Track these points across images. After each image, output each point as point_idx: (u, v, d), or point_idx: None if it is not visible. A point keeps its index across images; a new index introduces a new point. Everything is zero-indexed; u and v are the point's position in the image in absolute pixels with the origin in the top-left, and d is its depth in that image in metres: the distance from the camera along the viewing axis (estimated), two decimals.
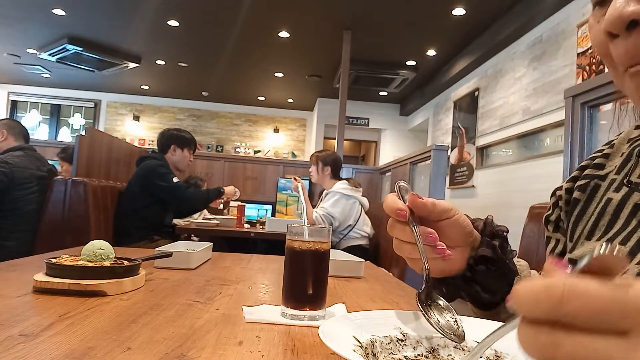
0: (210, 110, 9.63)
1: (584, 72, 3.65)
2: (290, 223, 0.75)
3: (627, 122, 0.66)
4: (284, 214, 4.38)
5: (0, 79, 8.89)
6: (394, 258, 2.72)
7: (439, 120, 7.16)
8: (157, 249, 1.15)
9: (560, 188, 0.67)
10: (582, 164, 0.66)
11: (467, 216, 0.63)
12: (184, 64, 7.19)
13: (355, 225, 3.05)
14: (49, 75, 8.33)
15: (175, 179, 2.83)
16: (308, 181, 4.23)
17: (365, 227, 3.12)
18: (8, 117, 9.01)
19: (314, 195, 4.57)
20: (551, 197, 0.69)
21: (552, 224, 0.69)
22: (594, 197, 0.61)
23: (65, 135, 9.59)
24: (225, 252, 1.59)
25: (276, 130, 9.68)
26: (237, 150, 9.58)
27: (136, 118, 9.44)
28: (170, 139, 3.06)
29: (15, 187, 2.38)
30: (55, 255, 0.89)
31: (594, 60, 3.54)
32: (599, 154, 0.65)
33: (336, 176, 3.21)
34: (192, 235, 3.56)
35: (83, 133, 3.29)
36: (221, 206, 3.85)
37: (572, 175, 0.66)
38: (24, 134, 2.67)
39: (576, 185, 0.64)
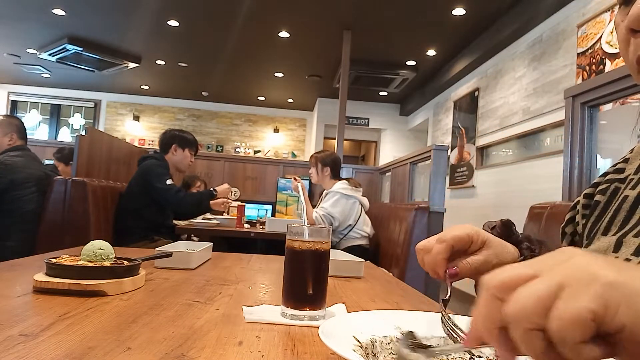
0: (210, 110, 9.63)
1: (584, 72, 3.65)
2: (290, 223, 0.75)
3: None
4: (284, 214, 4.38)
5: (0, 79, 8.89)
6: (394, 258, 2.72)
7: (439, 120, 7.16)
8: (157, 249, 1.15)
9: (578, 202, 0.69)
10: (605, 171, 0.68)
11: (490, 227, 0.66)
12: (184, 64, 7.19)
13: (355, 225, 3.05)
14: (49, 75, 8.33)
15: (169, 181, 2.80)
16: (308, 181, 4.23)
17: (365, 227, 3.12)
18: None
19: (314, 196, 4.57)
20: (570, 210, 0.70)
21: (568, 237, 0.70)
22: (614, 198, 0.62)
23: (65, 135, 9.59)
24: (225, 252, 1.59)
25: (276, 130, 9.68)
26: (237, 150, 9.58)
27: (136, 118, 9.44)
28: (171, 138, 3.05)
29: (14, 187, 2.38)
30: (55, 255, 0.89)
31: (594, 60, 3.54)
32: (621, 160, 0.67)
33: (336, 176, 3.21)
34: (192, 235, 3.56)
35: (83, 133, 3.29)
36: (225, 213, 3.80)
37: (594, 181, 0.68)
38: (25, 135, 2.69)
39: (597, 189, 0.66)
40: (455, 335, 0.51)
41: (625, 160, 0.66)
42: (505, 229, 0.66)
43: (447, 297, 0.56)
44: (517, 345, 0.28)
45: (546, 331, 0.26)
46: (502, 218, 0.68)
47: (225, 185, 3.06)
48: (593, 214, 0.64)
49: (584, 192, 0.68)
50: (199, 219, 3.60)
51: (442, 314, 0.53)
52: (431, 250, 0.58)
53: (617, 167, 0.66)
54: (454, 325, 0.52)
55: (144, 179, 2.82)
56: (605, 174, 0.67)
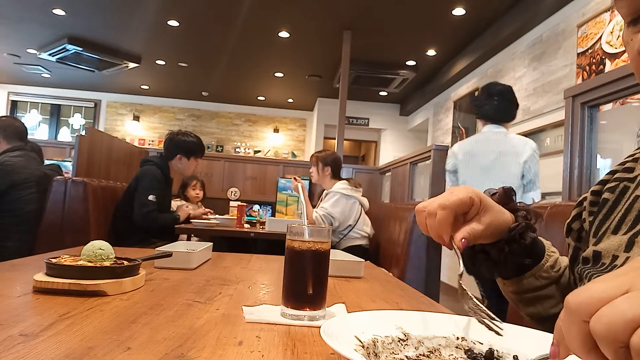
0: (210, 110, 9.63)
1: (584, 72, 3.64)
2: (290, 223, 0.75)
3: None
4: (284, 214, 4.38)
5: (0, 79, 8.89)
6: (394, 258, 2.72)
7: (439, 120, 7.16)
8: (157, 249, 1.15)
9: (585, 199, 0.69)
10: (612, 169, 0.68)
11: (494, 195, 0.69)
12: (184, 64, 7.19)
13: (355, 225, 3.05)
14: (49, 75, 8.33)
15: (151, 197, 2.76)
16: (308, 181, 4.23)
17: (365, 227, 3.12)
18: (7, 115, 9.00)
19: (314, 195, 4.57)
20: (576, 206, 0.71)
21: (575, 233, 0.70)
22: (623, 197, 0.63)
23: (65, 135, 9.59)
24: (225, 252, 1.58)
25: (276, 130, 9.68)
26: (237, 150, 9.58)
27: (136, 118, 9.44)
28: (177, 147, 2.97)
29: (14, 187, 2.38)
30: (55, 255, 0.89)
31: (594, 60, 3.54)
32: (630, 158, 0.67)
33: (336, 176, 3.21)
34: (192, 235, 3.56)
35: (83, 133, 3.30)
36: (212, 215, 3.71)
37: (601, 179, 0.69)
38: (18, 133, 2.60)
39: (606, 187, 0.66)
40: (478, 310, 0.53)
41: (635, 160, 0.65)
42: (505, 196, 0.69)
43: (462, 271, 0.58)
44: None
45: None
46: (504, 185, 0.71)
47: (185, 210, 3.02)
48: (601, 212, 0.64)
49: (591, 189, 0.68)
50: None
51: (460, 289, 0.55)
52: (435, 215, 0.60)
53: (626, 165, 0.66)
54: (474, 297, 0.54)
55: (137, 181, 2.81)
56: (613, 172, 0.67)
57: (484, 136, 2.67)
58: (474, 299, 0.53)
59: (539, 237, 0.71)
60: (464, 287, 0.55)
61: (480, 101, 2.69)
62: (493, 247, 0.67)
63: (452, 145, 6.26)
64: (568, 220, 0.71)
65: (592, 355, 0.27)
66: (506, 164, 2.58)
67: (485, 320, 0.52)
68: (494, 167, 2.60)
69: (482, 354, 0.52)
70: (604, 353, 0.26)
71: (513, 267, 0.69)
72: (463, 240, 0.60)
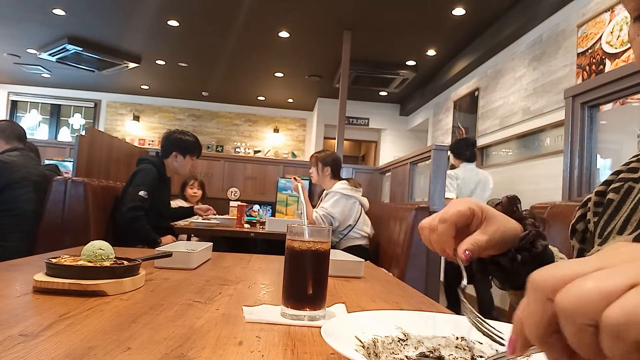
0: (210, 110, 9.63)
1: (584, 72, 3.64)
2: (290, 223, 0.75)
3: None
4: (284, 214, 4.38)
5: (0, 79, 8.88)
6: (394, 258, 2.72)
7: (439, 120, 7.16)
8: (157, 249, 1.15)
9: (589, 200, 0.69)
10: (617, 169, 0.68)
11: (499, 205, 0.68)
12: (184, 64, 7.19)
13: (355, 225, 3.05)
14: (49, 75, 8.33)
15: (141, 192, 2.66)
16: (308, 181, 4.23)
17: (365, 227, 3.11)
18: (8, 117, 9.02)
19: (314, 195, 4.57)
20: (580, 207, 0.70)
21: (579, 234, 0.70)
22: (628, 197, 0.62)
23: (65, 135, 9.59)
24: (225, 252, 1.58)
25: (276, 130, 9.68)
26: (237, 150, 9.58)
27: (136, 118, 9.44)
28: (173, 144, 2.93)
29: (12, 185, 2.37)
30: (55, 255, 0.89)
31: (594, 60, 3.54)
32: (635, 158, 0.67)
33: (336, 176, 3.20)
34: (192, 235, 3.56)
35: (83, 133, 3.29)
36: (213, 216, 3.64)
37: (606, 179, 0.68)
38: (17, 135, 2.59)
39: (610, 188, 0.66)
40: (478, 324, 0.52)
41: (639, 160, 0.65)
42: (509, 205, 0.67)
43: (465, 284, 0.57)
44: (574, 348, 0.23)
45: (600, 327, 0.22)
46: (508, 194, 0.69)
47: (170, 238, 2.85)
48: (606, 212, 0.64)
49: (596, 189, 0.68)
50: (199, 219, 3.60)
51: (463, 302, 0.54)
52: (436, 230, 0.59)
53: (630, 165, 0.65)
54: (475, 312, 0.53)
55: (131, 179, 2.78)
56: (618, 172, 0.67)
57: (469, 169, 4.04)
58: (475, 312, 0.53)
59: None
60: (465, 301, 0.54)
61: (462, 148, 4.11)
62: (504, 256, 0.65)
63: (451, 144, 6.26)
64: (572, 222, 0.71)
65: (552, 342, 0.25)
66: (484, 189, 4.04)
67: (487, 331, 0.51)
68: (476, 190, 3.99)
69: (482, 354, 0.52)
70: (566, 333, 0.23)
71: (524, 277, 0.68)
72: (467, 252, 0.58)
